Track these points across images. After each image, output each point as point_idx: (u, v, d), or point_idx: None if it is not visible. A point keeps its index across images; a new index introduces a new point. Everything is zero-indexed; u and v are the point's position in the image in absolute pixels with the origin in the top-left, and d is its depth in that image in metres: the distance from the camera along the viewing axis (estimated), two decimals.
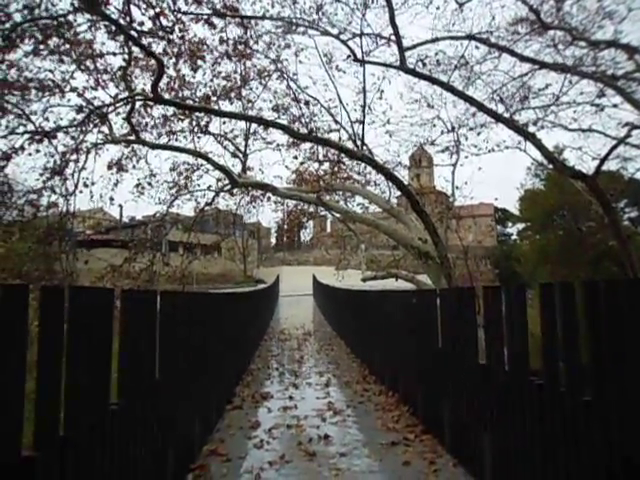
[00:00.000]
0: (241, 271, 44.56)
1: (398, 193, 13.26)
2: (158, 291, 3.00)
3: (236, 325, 6.97)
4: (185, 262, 12.26)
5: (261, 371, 8.08)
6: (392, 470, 3.73)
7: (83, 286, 2.23)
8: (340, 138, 11.03)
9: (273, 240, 68.67)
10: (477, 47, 10.83)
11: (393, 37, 8.72)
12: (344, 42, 9.17)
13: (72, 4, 7.45)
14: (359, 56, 8.95)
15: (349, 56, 9.22)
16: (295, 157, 13.23)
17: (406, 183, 10.82)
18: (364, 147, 9.52)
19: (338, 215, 14.80)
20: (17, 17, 8.02)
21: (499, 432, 3.12)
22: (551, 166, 12.08)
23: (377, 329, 7.38)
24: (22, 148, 8.89)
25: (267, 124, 10.12)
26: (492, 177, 18.46)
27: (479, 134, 12.43)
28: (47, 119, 9.21)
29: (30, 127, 9.18)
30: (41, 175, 9.18)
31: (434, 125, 12.97)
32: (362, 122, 9.57)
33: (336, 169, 13.12)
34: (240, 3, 9.30)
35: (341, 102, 9.78)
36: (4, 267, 9.90)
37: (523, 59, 10.43)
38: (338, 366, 8.56)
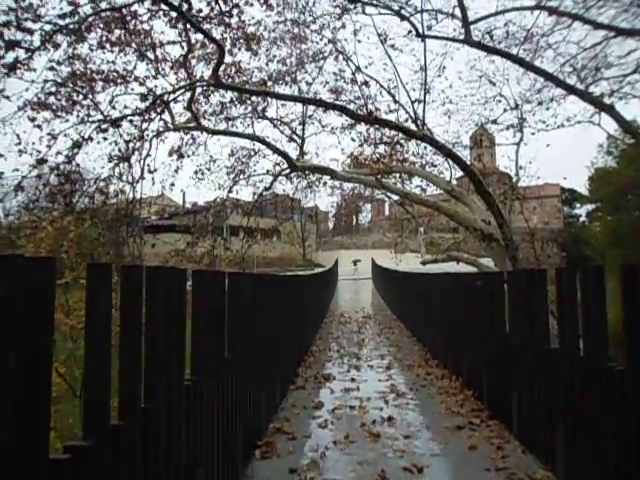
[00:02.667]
0: (300, 255, 45.07)
1: (459, 174, 12.89)
2: (226, 272, 3.07)
3: (298, 307, 7.06)
4: (245, 246, 12.51)
5: (322, 353, 8.17)
6: (458, 454, 3.68)
7: (159, 266, 2.30)
8: (398, 118, 10.82)
9: (331, 224, 68.83)
10: (547, 16, 10.25)
11: (457, 10, 8.40)
12: (406, 18, 8.93)
13: None
14: (420, 32, 8.70)
15: (410, 32, 9.00)
16: (352, 140, 13.12)
17: (468, 163, 10.49)
18: (424, 127, 9.28)
19: (396, 198, 14.61)
20: (84, 10, 8.38)
21: (574, 421, 2.99)
22: (631, 140, 11.31)
23: (439, 313, 7.26)
24: (90, 138, 9.28)
25: (326, 106, 10.06)
26: (558, 156, 17.58)
27: (548, 109, 11.82)
28: (114, 107, 9.56)
29: (97, 117, 9.57)
30: (109, 161, 9.58)
31: (499, 101, 12.46)
32: (422, 101, 9.34)
33: (394, 151, 12.90)
34: None
35: (400, 81, 9.55)
36: (77, 251, 10.47)
37: (597, 26, 9.76)
38: (399, 349, 8.52)
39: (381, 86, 10.52)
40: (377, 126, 10.61)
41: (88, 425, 1.43)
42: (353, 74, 9.91)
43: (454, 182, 13.72)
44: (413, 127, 9.55)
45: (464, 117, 14.29)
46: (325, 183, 13.86)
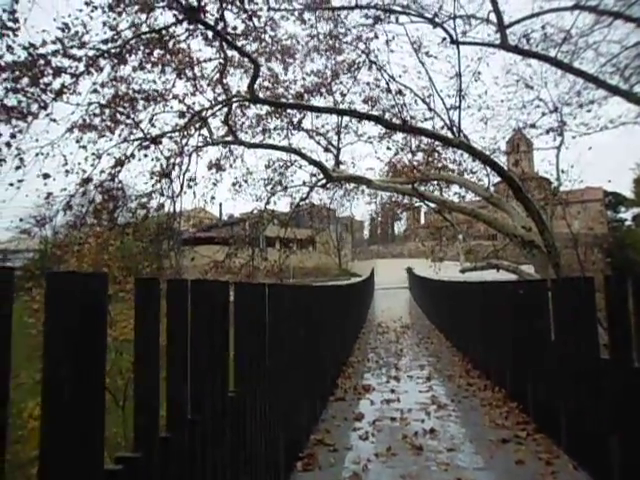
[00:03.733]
0: (336, 264, 45.05)
1: (496, 180, 12.67)
2: (266, 284, 3.10)
3: (336, 317, 7.05)
4: (282, 257, 12.61)
5: (361, 363, 8.12)
6: (504, 469, 3.57)
7: (204, 279, 2.35)
8: (434, 126, 10.75)
9: (366, 233, 68.61)
10: (587, 15, 9.99)
11: (492, 15, 8.31)
12: (439, 25, 8.88)
13: (174, 16, 7.91)
14: (454, 38, 8.63)
15: (444, 39, 8.94)
16: (388, 148, 13.09)
17: (506, 169, 10.30)
18: (460, 134, 9.17)
19: (433, 205, 14.44)
20: (125, 34, 8.71)
21: (630, 435, 2.86)
22: None
23: (480, 322, 7.11)
24: (132, 155, 9.60)
25: (360, 116, 10.09)
26: (601, 158, 17.02)
27: (589, 111, 11.48)
28: (154, 125, 9.88)
29: (139, 135, 9.89)
30: (151, 177, 9.87)
31: (538, 105, 12.20)
32: (457, 108, 9.23)
33: (430, 158, 12.80)
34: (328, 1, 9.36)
35: (435, 89, 9.47)
36: (121, 265, 10.78)
37: None
38: (439, 359, 8.38)
39: (415, 94, 10.49)
40: (412, 134, 10.57)
41: (139, 437, 1.46)
42: (387, 83, 9.91)
43: (492, 188, 13.50)
44: (449, 134, 9.45)
45: (501, 122, 14.08)
46: (363, 191, 13.87)
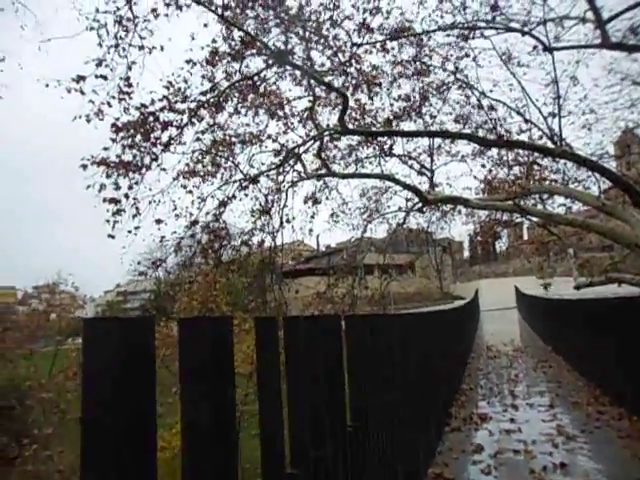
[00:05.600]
0: (437, 288, 43.88)
1: (606, 187, 11.73)
2: (374, 315, 3.09)
3: (444, 343, 6.82)
4: (383, 284, 12.53)
5: (473, 391, 7.74)
6: None
7: (317, 315, 2.39)
8: (531, 137, 10.26)
9: (466, 254, 66.28)
10: None
11: (589, 14, 7.84)
12: (528, 33, 8.56)
13: (265, 61, 8.38)
14: (547, 45, 8.24)
15: (535, 47, 8.58)
16: (482, 166, 12.67)
17: (619, 174, 9.52)
18: (562, 142, 8.67)
19: (536, 220, 13.67)
20: (221, 84, 9.36)
21: None
22: None
23: (608, 342, 6.50)
24: (234, 196, 10.15)
25: (452, 136, 9.91)
26: None
27: None
28: (251, 166, 10.41)
29: (238, 176, 10.46)
30: (252, 215, 10.34)
31: None
32: (557, 115, 8.76)
33: (530, 171, 12.18)
34: (411, 22, 9.40)
35: (530, 99, 9.07)
36: (227, 301, 11.32)
37: None
38: (560, 385, 7.76)
39: (509, 107, 10.12)
40: (508, 149, 10.16)
41: (267, 474, 1.50)
42: (478, 100, 9.67)
43: (602, 196, 12.51)
44: (549, 144, 8.97)
45: (606, 125, 13.08)
46: (460, 211, 13.50)
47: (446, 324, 7.78)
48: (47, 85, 7.57)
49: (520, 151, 11.17)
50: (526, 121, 9.95)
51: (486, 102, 10.26)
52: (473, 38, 9.76)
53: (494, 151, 12.09)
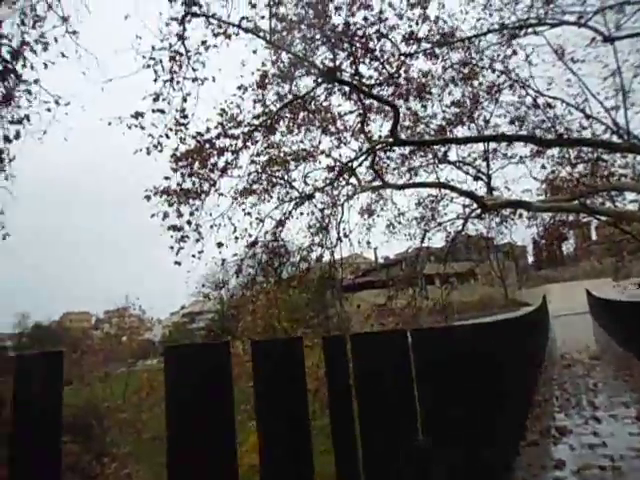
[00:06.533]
0: (502, 295, 42.40)
1: None
2: (436, 327, 3.02)
3: (513, 353, 6.56)
4: (444, 293, 12.25)
5: (549, 402, 7.37)
6: None
7: (385, 331, 2.36)
8: (594, 133, 9.79)
9: (530, 258, 63.78)
10: None
11: None
12: (584, 25, 8.22)
13: (315, 80, 8.52)
14: (606, 35, 7.88)
15: (593, 39, 8.23)
16: (543, 167, 12.21)
17: None
18: (630, 136, 8.22)
19: (605, 218, 12.98)
20: (273, 106, 9.58)
21: None
22: None
23: None
24: (290, 213, 10.30)
25: (508, 139, 9.64)
26: None
27: None
28: (306, 183, 10.54)
29: (294, 194, 10.61)
30: (309, 231, 10.45)
31: None
32: (620, 108, 8.34)
33: (595, 168, 11.61)
34: (457, 28, 9.28)
35: (590, 93, 8.69)
36: (289, 317, 11.43)
37: None
38: None
39: (567, 104, 9.75)
40: (570, 146, 9.75)
41: None
42: (533, 99, 9.38)
43: None
44: (615, 139, 8.53)
45: None
46: (521, 215, 13.04)
47: (514, 332, 7.49)
48: (109, 123, 8.03)
49: (583, 148, 10.69)
50: (587, 117, 9.53)
51: (542, 100, 9.93)
52: (525, 35, 9.50)
53: (554, 150, 11.64)
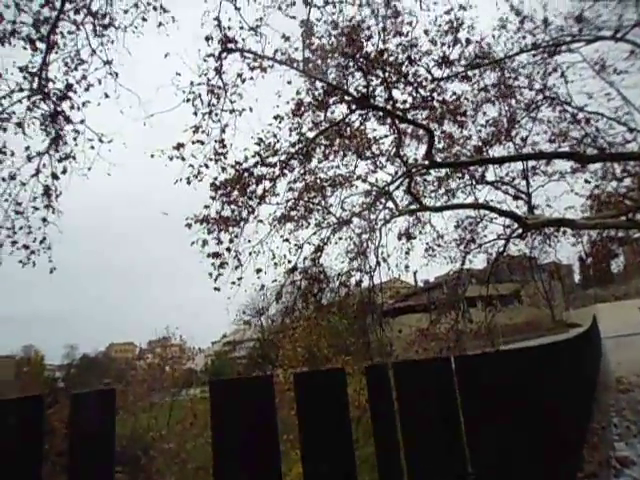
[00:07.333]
0: (548, 316, 40.95)
1: None
2: (491, 352, 2.94)
3: (565, 378, 6.29)
4: (488, 316, 11.94)
5: (606, 430, 6.99)
6: None
7: (429, 358, 2.33)
8: None
9: (577, 277, 61.52)
10: None
11: None
12: (621, 39, 8.07)
13: (348, 107, 8.63)
14: None
15: (632, 52, 8.04)
16: (586, 181, 11.87)
17: None
18: None
19: None
20: (308, 134, 9.74)
21: None
22: None
23: None
24: (328, 239, 10.33)
25: (548, 157, 9.44)
26: None
27: None
28: (343, 208, 10.59)
29: (331, 219, 10.66)
30: (347, 255, 10.44)
31: None
32: None
33: None
34: (491, 48, 9.26)
35: (633, 106, 8.45)
36: (329, 343, 11.35)
37: None
38: None
39: (608, 118, 9.50)
40: (614, 161, 9.47)
41: None
42: (572, 115, 9.18)
43: None
44: None
45: None
46: (565, 232, 12.66)
47: (565, 356, 7.20)
48: (152, 156, 8.33)
49: (630, 162, 10.36)
50: (630, 130, 9.26)
51: (581, 116, 9.72)
52: (559, 53, 9.39)
53: (598, 164, 11.33)
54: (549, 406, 4.41)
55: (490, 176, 11.89)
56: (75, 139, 7.69)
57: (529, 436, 3.38)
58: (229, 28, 8.17)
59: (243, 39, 8.37)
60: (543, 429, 3.88)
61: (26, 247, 7.48)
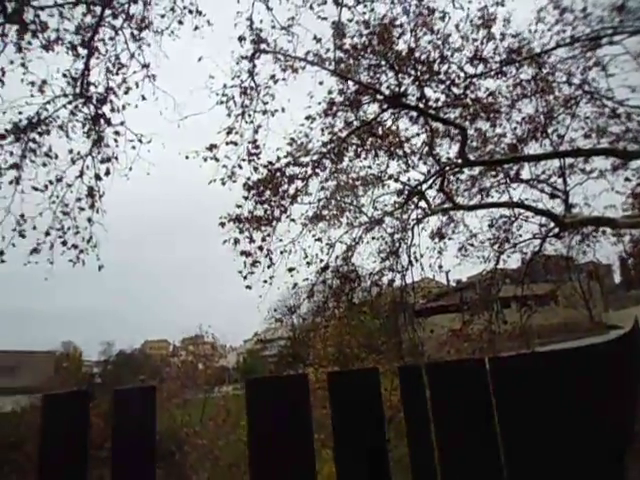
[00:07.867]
0: (586, 318, 39.77)
1: None
2: (527, 353, 2.88)
3: (606, 381, 6.10)
4: (524, 317, 11.68)
5: None
6: None
7: (461, 359, 2.30)
8: None
9: (617, 278, 59.54)
10: None
11: None
12: None
13: (380, 106, 8.58)
14: None
15: None
16: (627, 179, 11.47)
17: None
18: None
19: None
20: (340, 133, 9.72)
21: None
22: None
23: None
24: (360, 238, 10.30)
25: (585, 154, 9.17)
26: None
27: None
28: (375, 208, 10.53)
29: (363, 218, 10.62)
30: (379, 254, 10.39)
31: None
32: None
33: None
34: (528, 43, 9.06)
35: None
36: (360, 343, 11.31)
37: None
38: None
39: None
40: None
41: None
42: (612, 110, 8.89)
43: None
44: None
45: None
46: (604, 232, 12.28)
47: (606, 359, 6.98)
48: (187, 157, 8.48)
49: None
50: None
51: (622, 110, 9.40)
52: (600, 47, 9.10)
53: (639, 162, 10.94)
54: (588, 408, 4.29)
55: (525, 174, 11.64)
56: (116, 140, 7.90)
57: (568, 440, 3.29)
58: (261, 30, 8.26)
59: (275, 40, 8.45)
60: (583, 434, 3.78)
61: (75, 246, 7.71)
